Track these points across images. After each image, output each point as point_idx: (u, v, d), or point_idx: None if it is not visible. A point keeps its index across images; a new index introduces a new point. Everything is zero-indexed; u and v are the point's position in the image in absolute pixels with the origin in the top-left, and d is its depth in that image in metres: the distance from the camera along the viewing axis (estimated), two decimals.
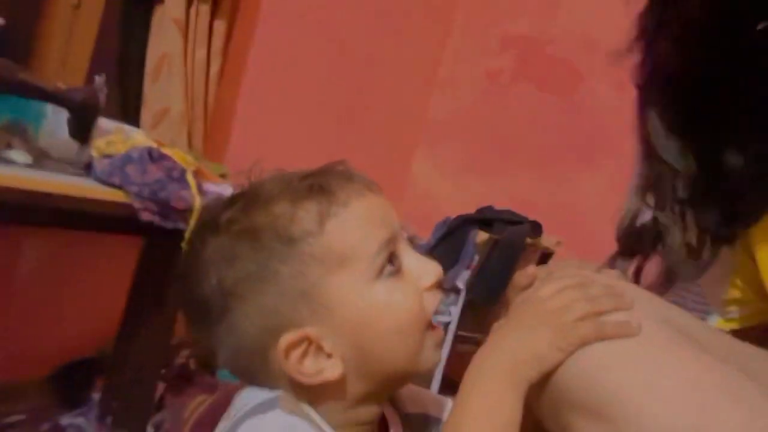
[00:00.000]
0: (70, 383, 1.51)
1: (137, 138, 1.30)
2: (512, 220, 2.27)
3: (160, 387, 1.51)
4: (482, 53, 2.56)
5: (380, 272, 0.45)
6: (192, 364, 1.67)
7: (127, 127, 1.47)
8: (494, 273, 2.09)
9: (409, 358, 0.46)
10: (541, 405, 0.42)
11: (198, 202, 1.24)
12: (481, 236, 2.19)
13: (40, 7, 1.58)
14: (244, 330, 0.45)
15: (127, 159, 1.18)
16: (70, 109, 1.27)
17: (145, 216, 1.18)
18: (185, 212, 1.23)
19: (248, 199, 0.47)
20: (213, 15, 1.77)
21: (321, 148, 2.33)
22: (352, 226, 0.45)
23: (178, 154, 1.30)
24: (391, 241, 0.47)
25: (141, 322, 1.42)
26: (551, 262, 2.13)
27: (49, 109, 1.28)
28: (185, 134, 1.74)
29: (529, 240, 2.22)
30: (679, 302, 0.63)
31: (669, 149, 0.47)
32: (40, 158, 1.21)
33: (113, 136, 1.30)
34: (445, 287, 1.56)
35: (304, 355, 0.44)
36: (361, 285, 0.45)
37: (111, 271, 1.55)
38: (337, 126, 2.36)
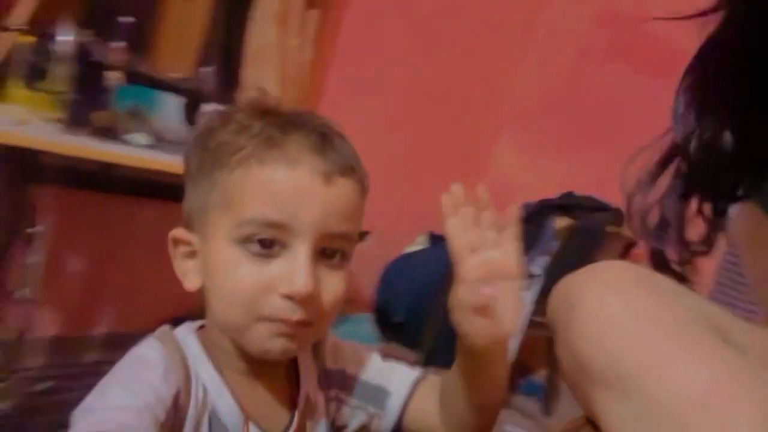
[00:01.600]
0: None
1: None
2: (594, 206, 2.23)
3: None
4: (574, 30, 2.48)
5: (243, 240, 0.46)
6: None
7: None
8: (572, 260, 2.09)
9: (234, 328, 0.48)
10: (567, 375, 0.46)
11: None
12: (561, 222, 2.18)
13: (158, 5, 1.77)
14: (183, 208, 0.52)
15: None
16: (183, 96, 1.44)
17: None
18: None
19: (231, 111, 0.51)
20: (307, 5, 1.89)
21: (405, 129, 2.41)
22: (249, 182, 0.46)
23: None
24: (273, 225, 0.45)
25: None
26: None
27: (165, 96, 1.46)
28: None
29: (611, 228, 2.17)
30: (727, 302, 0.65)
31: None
32: (158, 140, 1.38)
33: None
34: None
35: (184, 254, 0.50)
36: (224, 235, 0.47)
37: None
38: (422, 107, 2.41)
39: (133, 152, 1.29)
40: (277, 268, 0.46)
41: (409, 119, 2.42)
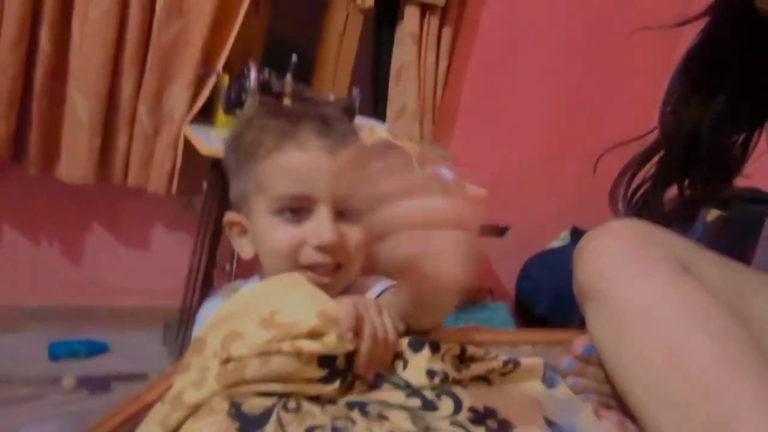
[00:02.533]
0: None
1: (380, 133, 1.74)
2: (754, 198, 2.12)
3: None
4: None
5: (278, 212, 0.58)
6: None
7: (375, 124, 1.93)
8: (722, 254, 2.02)
9: None
10: (576, 298, 0.61)
11: None
12: (713, 215, 2.11)
13: (319, 41, 2.13)
14: (230, 196, 0.65)
15: None
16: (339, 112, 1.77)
17: None
18: None
19: (252, 115, 0.64)
20: (441, 24, 2.10)
21: (545, 130, 2.52)
22: (275, 169, 0.58)
23: (406, 143, 1.70)
24: (297, 198, 0.57)
25: None
26: None
27: None
28: (418, 126, 2.14)
29: None
30: None
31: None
32: None
33: (364, 132, 1.76)
34: None
35: (237, 233, 0.63)
36: (263, 211, 0.59)
37: None
38: (561, 109, 2.50)
39: None
40: (307, 228, 0.58)
41: (548, 119, 2.51)
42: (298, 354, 0.43)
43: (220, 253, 1.66)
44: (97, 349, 1.78)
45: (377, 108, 2.25)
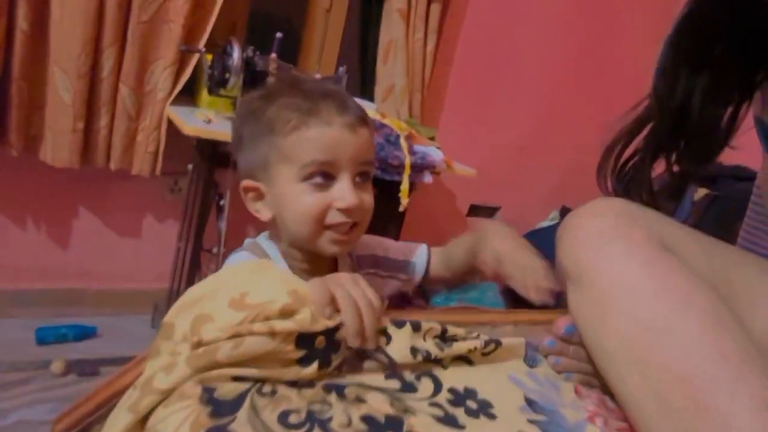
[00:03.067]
0: None
1: (368, 111, 1.72)
2: (741, 176, 2.12)
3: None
4: None
5: (306, 178, 0.65)
6: (410, 292, 2.09)
7: (363, 103, 1.91)
8: (709, 232, 2.04)
9: (307, 239, 0.68)
10: (558, 278, 0.61)
11: (408, 160, 1.61)
12: (701, 193, 2.12)
13: (303, 16, 2.09)
14: (240, 165, 0.71)
15: None
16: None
17: None
18: (399, 167, 1.61)
19: (270, 92, 0.70)
20: (429, 0, 2.07)
21: (535, 109, 2.50)
22: (303, 141, 0.65)
23: (395, 123, 1.68)
24: (326, 164, 0.65)
25: None
26: None
27: None
28: (407, 104, 2.12)
29: None
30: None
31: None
32: None
33: None
34: None
35: (253, 197, 0.70)
36: (290, 178, 0.66)
37: None
38: (549, 88, 2.48)
39: None
40: (332, 192, 0.66)
41: (538, 99, 2.49)
42: (272, 334, 0.42)
43: (206, 235, 1.65)
44: (86, 333, 1.77)
45: (365, 86, 2.22)
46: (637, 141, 0.68)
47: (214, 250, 1.61)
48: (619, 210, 0.58)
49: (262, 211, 0.70)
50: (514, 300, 2.31)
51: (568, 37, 2.43)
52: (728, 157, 2.12)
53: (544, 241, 2.32)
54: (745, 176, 2.05)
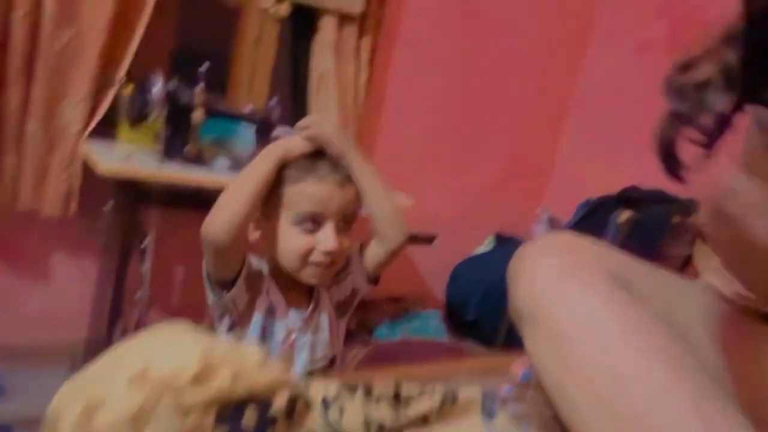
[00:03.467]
0: None
1: None
2: (659, 199, 2.21)
3: None
4: (634, 24, 2.49)
5: (297, 223, 0.82)
6: (353, 325, 2.02)
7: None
8: (635, 253, 2.10)
9: (293, 269, 0.85)
10: (514, 320, 0.59)
11: None
12: (623, 217, 2.19)
13: (232, 50, 2.03)
14: None
15: None
16: (255, 125, 1.69)
17: None
18: None
19: None
20: (360, 34, 2.06)
21: (467, 137, 2.53)
22: (299, 194, 0.82)
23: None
24: (315, 215, 0.82)
25: None
26: None
27: (241, 126, 1.71)
28: None
29: (677, 219, 2.15)
30: None
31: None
32: (236, 163, 1.63)
33: None
34: None
35: (253, 224, 0.85)
36: (286, 221, 0.83)
37: None
38: (483, 113, 2.51)
39: (217, 175, 1.53)
40: (318, 237, 0.83)
41: (471, 127, 2.52)
42: (184, 410, 0.35)
43: (129, 279, 1.52)
44: None
45: (298, 118, 2.17)
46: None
47: (138, 295, 1.49)
48: (572, 246, 0.55)
49: (254, 234, 0.86)
50: (457, 327, 2.29)
51: (502, 61, 2.49)
52: (649, 180, 2.18)
53: (481, 267, 2.34)
54: (663, 199, 2.15)
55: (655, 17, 2.42)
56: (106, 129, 1.58)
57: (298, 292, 0.90)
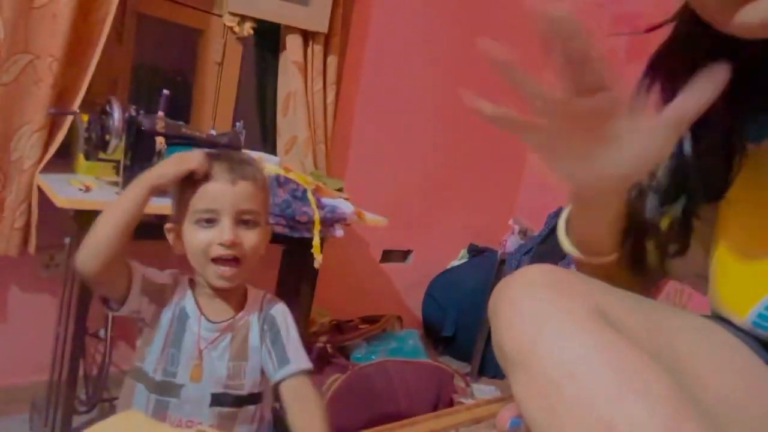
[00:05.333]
0: None
1: (269, 167, 1.62)
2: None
3: None
4: (594, 33, 2.55)
5: (197, 222, 0.87)
6: (329, 349, 1.97)
7: (264, 157, 1.81)
8: None
9: (200, 270, 0.89)
10: (498, 359, 0.56)
11: (317, 215, 1.53)
12: None
13: (193, 69, 1.98)
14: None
15: None
16: (220, 150, 1.63)
17: (278, 229, 1.48)
18: (308, 223, 1.52)
19: None
20: (326, 52, 2.04)
21: (438, 151, 2.53)
22: (201, 193, 0.86)
23: (300, 177, 1.59)
24: (212, 212, 0.86)
25: None
26: None
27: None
28: (311, 156, 2.04)
29: None
30: None
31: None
32: None
33: None
34: None
35: (174, 236, 0.90)
36: (189, 220, 0.88)
37: (260, 274, 1.91)
38: (452, 127, 2.52)
39: None
40: (214, 231, 0.86)
41: (440, 140, 2.53)
42: None
43: (90, 316, 1.45)
44: None
45: (266, 140, 2.13)
46: None
47: (101, 333, 1.42)
48: (554, 283, 0.52)
49: (177, 248, 0.90)
50: (435, 344, 2.26)
51: (467, 72, 2.49)
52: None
53: (456, 281, 2.32)
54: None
55: (614, 28, 2.46)
56: (62, 161, 1.51)
57: (221, 304, 0.93)
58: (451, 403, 1.82)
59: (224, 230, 0.85)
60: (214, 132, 1.72)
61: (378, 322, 2.32)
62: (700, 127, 0.55)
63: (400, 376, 1.78)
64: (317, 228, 1.54)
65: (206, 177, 0.86)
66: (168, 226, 0.92)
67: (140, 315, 0.89)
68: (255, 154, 1.83)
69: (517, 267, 2.33)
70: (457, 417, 0.51)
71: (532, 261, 2.26)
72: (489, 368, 2.51)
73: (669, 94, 0.56)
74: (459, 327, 2.62)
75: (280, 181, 1.51)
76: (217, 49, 1.94)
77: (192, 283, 0.93)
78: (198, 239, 0.86)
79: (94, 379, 1.54)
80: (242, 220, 0.87)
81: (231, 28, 1.91)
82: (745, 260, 0.56)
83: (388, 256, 2.58)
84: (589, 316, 0.49)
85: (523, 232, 2.52)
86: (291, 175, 1.58)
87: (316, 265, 1.54)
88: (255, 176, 0.90)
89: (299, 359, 0.92)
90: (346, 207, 1.65)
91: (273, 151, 2.07)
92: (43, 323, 1.64)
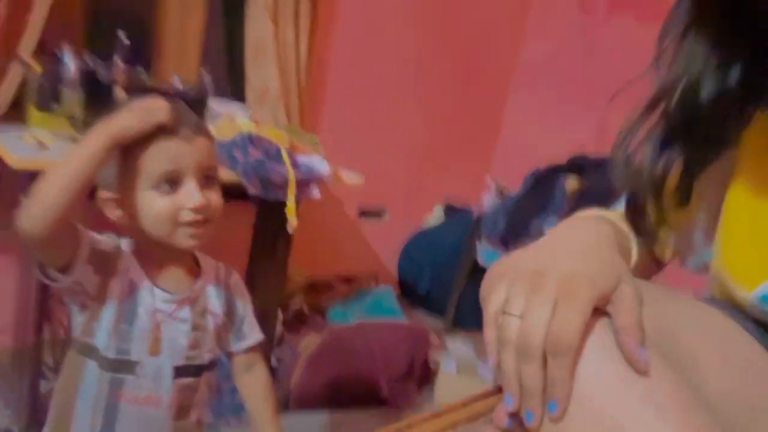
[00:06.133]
0: None
1: (241, 123, 1.53)
2: (608, 167, 2.21)
3: (280, 328, 1.80)
4: None
5: (155, 186, 0.76)
6: (306, 309, 1.95)
7: (233, 111, 1.71)
8: None
9: (163, 236, 0.78)
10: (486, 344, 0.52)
11: (292, 175, 1.46)
12: (571, 185, 2.17)
13: (156, 17, 1.83)
14: (98, 177, 0.77)
15: (232, 145, 1.40)
16: (187, 103, 1.53)
17: (251, 191, 1.41)
18: (283, 185, 1.45)
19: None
20: None
21: (414, 106, 2.45)
22: (152, 154, 0.75)
23: (274, 133, 1.51)
24: (171, 173, 0.76)
25: (260, 273, 1.70)
26: None
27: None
28: (283, 109, 1.95)
29: None
30: None
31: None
32: None
33: (221, 122, 1.54)
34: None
35: (111, 207, 0.79)
36: (144, 186, 0.76)
37: (233, 233, 1.85)
38: (428, 82, 2.43)
39: None
40: (181, 195, 0.77)
41: (417, 96, 2.44)
42: None
43: None
44: None
45: (236, 88, 2.03)
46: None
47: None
48: None
49: (116, 214, 0.79)
50: (410, 301, 2.25)
51: (446, 28, 2.39)
52: (597, 147, 2.16)
53: (432, 242, 2.29)
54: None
55: None
56: (13, 114, 1.39)
57: (174, 273, 0.84)
58: (426, 362, 1.83)
59: (192, 193, 0.76)
60: (179, 83, 1.61)
61: (353, 281, 2.30)
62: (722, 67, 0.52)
63: (376, 336, 1.77)
64: (292, 190, 1.47)
65: (172, 131, 0.75)
66: (104, 195, 0.78)
67: (82, 287, 0.78)
68: (224, 107, 1.73)
69: (494, 227, 2.32)
70: (453, 416, 0.49)
71: (508, 222, 2.24)
72: (463, 321, 2.53)
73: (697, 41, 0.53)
74: (433, 284, 2.63)
75: (253, 139, 1.43)
76: None
77: (136, 251, 0.82)
78: (160, 206, 0.76)
79: (61, 343, 1.48)
80: (206, 179, 0.79)
81: None
82: (757, 233, 0.53)
83: (363, 212, 2.54)
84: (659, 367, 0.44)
85: (500, 191, 2.49)
86: (264, 132, 1.49)
87: (290, 230, 1.48)
88: (205, 127, 0.82)
89: (253, 333, 0.93)
90: (322, 167, 1.58)
91: (242, 99, 1.96)
92: (4, 288, 1.56)
